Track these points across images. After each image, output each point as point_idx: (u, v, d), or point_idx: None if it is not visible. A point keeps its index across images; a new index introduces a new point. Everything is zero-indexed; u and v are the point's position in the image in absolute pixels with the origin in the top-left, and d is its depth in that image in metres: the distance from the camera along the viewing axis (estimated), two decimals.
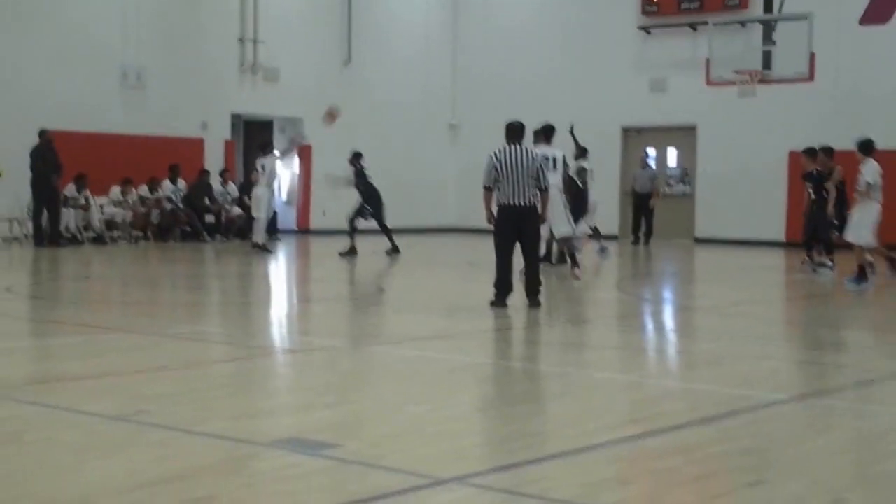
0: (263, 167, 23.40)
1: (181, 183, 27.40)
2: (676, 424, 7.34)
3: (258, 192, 23.46)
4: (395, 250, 23.61)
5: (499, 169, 13.94)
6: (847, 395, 8.54)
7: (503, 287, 13.89)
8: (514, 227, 13.87)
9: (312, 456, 6.29)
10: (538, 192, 13.90)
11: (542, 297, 14.03)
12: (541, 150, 18.56)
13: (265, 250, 22.60)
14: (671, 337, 12.67)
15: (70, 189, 25.22)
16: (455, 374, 9.34)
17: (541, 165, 13.95)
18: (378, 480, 5.85)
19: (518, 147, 14.11)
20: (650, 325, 13.83)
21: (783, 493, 5.80)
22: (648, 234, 28.68)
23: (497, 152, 14.16)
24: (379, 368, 9.65)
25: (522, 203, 13.79)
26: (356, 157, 24.46)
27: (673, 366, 10.65)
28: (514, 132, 14.37)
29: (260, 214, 23.35)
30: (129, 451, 6.44)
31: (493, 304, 13.79)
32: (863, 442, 7.03)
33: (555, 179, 17.61)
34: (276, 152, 23.59)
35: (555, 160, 18.45)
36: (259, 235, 23.42)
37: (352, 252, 23.19)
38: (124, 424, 7.06)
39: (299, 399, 8.21)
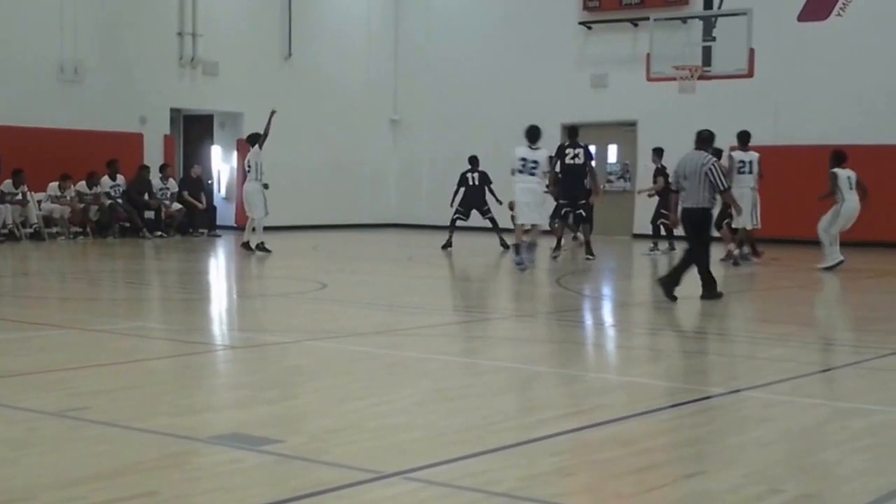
0: (248, 162, 22.88)
1: (120, 178, 27.17)
2: (616, 417, 7.40)
3: (247, 188, 22.85)
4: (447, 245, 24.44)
5: (680, 173, 14.95)
6: (783, 388, 8.63)
7: (707, 284, 14.82)
8: (692, 227, 14.91)
9: (254, 451, 6.28)
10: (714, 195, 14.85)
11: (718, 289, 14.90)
12: (522, 151, 18.90)
13: (264, 250, 22.16)
14: (611, 332, 12.75)
15: (7, 185, 24.93)
16: (396, 369, 9.36)
17: (710, 170, 14.72)
18: (320, 475, 5.86)
19: (699, 153, 15.01)
20: (590, 321, 13.90)
21: (721, 483, 5.86)
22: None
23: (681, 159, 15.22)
24: (320, 363, 9.64)
25: (697, 206, 14.72)
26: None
27: (612, 360, 10.73)
28: (700, 139, 15.37)
29: (254, 213, 22.63)
30: (69, 447, 6.42)
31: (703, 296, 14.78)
32: (798, 434, 7.12)
33: (533, 181, 19.02)
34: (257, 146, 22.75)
35: (536, 162, 19.07)
36: (257, 235, 22.54)
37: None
38: (64, 420, 7.03)
39: (241, 395, 8.19)
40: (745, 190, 20.92)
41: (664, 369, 9.66)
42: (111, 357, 9.69)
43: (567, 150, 21.77)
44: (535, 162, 19.05)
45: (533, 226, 19.17)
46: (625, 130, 30.78)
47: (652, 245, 24.23)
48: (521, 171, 19.12)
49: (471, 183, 24.48)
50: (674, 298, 14.34)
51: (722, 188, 14.80)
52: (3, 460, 6.12)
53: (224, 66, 30.34)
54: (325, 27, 32.97)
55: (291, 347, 10.45)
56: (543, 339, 11.92)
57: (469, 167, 24.82)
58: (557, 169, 21.06)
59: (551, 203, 21.23)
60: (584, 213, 22.13)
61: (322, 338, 11.05)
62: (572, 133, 22.22)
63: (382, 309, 13.90)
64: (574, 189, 21.80)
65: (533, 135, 19.29)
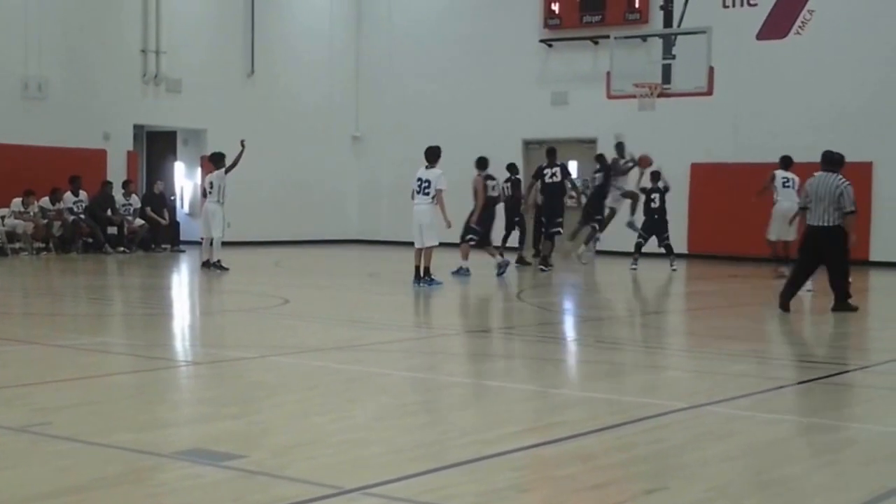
0: (212, 183, 22.51)
1: (83, 194, 27.06)
2: (576, 433, 7.43)
3: (211, 209, 22.42)
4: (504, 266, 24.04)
5: (811, 193, 15.56)
6: (744, 403, 8.69)
7: (842, 296, 15.70)
8: (815, 245, 15.56)
9: (216, 467, 6.31)
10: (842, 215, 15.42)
11: (851, 302, 15.69)
12: (419, 172, 18.99)
13: (221, 268, 22.00)
14: (572, 347, 12.80)
15: None
16: (357, 384, 9.39)
17: (843, 191, 15.43)
18: (282, 491, 5.89)
19: (831, 175, 15.58)
20: (551, 335, 13.94)
21: (682, 499, 5.91)
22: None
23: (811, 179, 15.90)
24: (282, 379, 9.65)
25: (825, 224, 15.43)
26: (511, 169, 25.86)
27: (573, 375, 10.78)
28: (829, 161, 15.98)
29: (216, 233, 22.23)
30: (30, 463, 6.41)
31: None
32: (759, 449, 7.16)
33: (425, 199, 19.15)
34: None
35: (428, 181, 19.12)
36: (215, 253, 22.17)
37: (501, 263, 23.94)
38: (25, 436, 7.03)
39: (202, 410, 8.21)
40: (791, 204, 21.65)
41: (625, 384, 9.71)
42: (74, 372, 9.67)
43: (545, 171, 22.64)
44: (428, 181, 19.09)
45: (427, 248, 19.25)
46: (585, 147, 30.86)
47: (633, 261, 24.22)
48: (417, 192, 19.24)
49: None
50: (788, 310, 15.39)
51: (851, 210, 15.44)
52: None
53: (187, 83, 30.28)
54: (288, 44, 32.97)
55: (253, 363, 10.47)
56: (504, 354, 11.97)
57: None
58: (538, 188, 22.81)
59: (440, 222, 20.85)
60: (596, 226, 24.22)
61: (284, 353, 11.05)
62: (550, 154, 23.29)
63: (344, 324, 13.90)
64: (553, 208, 22.82)
65: (430, 155, 19.35)
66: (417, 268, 19.26)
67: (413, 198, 19.39)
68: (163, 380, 9.75)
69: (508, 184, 25.07)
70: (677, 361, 11.62)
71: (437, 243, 19.37)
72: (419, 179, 19.21)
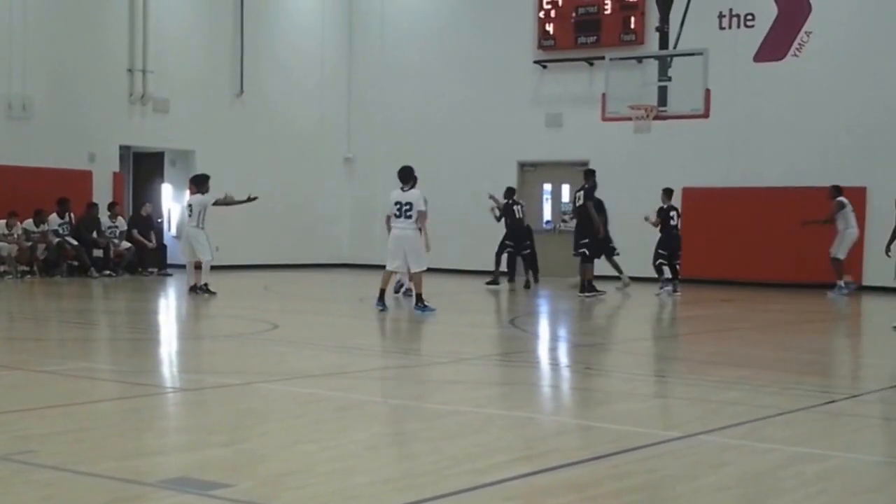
0: (191, 207, 22.25)
1: (69, 216, 26.93)
2: (569, 461, 7.34)
3: (192, 233, 22.17)
4: (532, 282, 26.25)
5: None
6: (738, 431, 8.61)
7: None
8: None
9: (203, 496, 6.19)
10: None
11: None
12: (395, 195, 18.75)
13: (209, 292, 21.76)
14: (564, 374, 12.70)
15: None
16: (347, 412, 9.28)
17: None
18: None
19: None
20: (543, 362, 13.85)
21: None
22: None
23: None
24: (271, 406, 9.54)
25: None
26: (510, 193, 26.60)
27: (566, 403, 10.68)
28: None
29: (204, 257, 22.00)
30: (14, 491, 6.30)
31: None
32: (752, 479, 7.07)
33: (408, 223, 18.69)
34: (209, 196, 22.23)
35: (409, 204, 18.77)
36: (203, 276, 22.03)
37: (495, 282, 25.98)
38: (8, 464, 6.90)
39: (189, 438, 8.09)
40: (855, 230, 24.83)
41: (617, 412, 9.61)
42: (58, 399, 9.54)
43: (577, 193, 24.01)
44: (409, 204, 18.79)
45: (416, 273, 19.11)
46: (579, 170, 30.76)
47: (661, 285, 24.58)
48: (396, 216, 18.84)
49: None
50: None
51: None
52: None
53: (175, 103, 30.18)
54: (278, 64, 32.88)
55: (242, 390, 10.35)
56: (496, 381, 11.86)
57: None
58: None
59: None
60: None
61: (273, 380, 10.94)
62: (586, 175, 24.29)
63: (334, 351, 13.79)
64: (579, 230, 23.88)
65: (404, 176, 19.03)
66: (383, 291, 19.04)
67: (388, 223, 19.09)
68: (149, 406, 9.62)
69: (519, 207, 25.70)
70: (670, 389, 11.54)
71: (425, 268, 19.23)
72: (398, 203, 18.80)
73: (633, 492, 6.66)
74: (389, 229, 19.02)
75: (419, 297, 18.86)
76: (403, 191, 18.89)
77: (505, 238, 26.41)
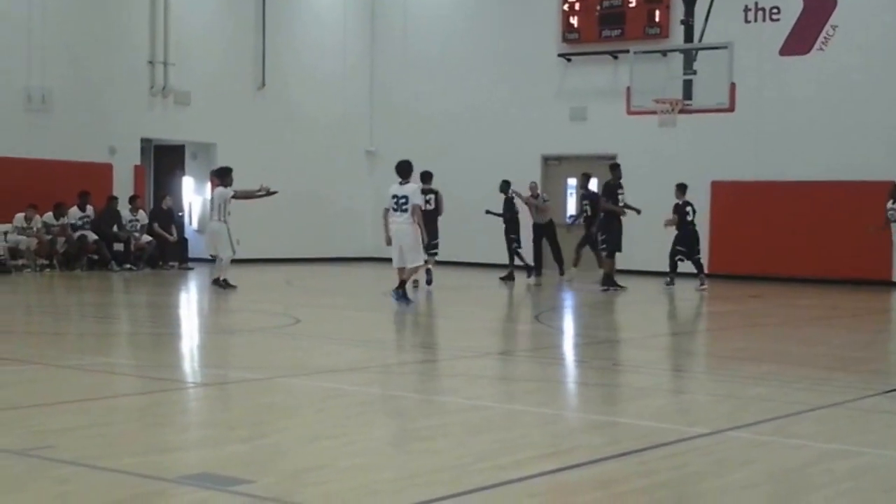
0: (213, 200, 22.16)
1: (90, 209, 26.85)
2: (595, 458, 7.22)
3: (215, 228, 21.96)
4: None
5: None
6: (766, 428, 8.48)
7: None
8: None
9: (224, 491, 6.09)
10: None
11: None
12: (393, 189, 18.74)
13: (228, 286, 21.52)
14: (590, 370, 12.56)
15: None
16: (369, 407, 9.19)
17: None
18: None
19: None
20: (569, 358, 13.73)
21: None
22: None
23: None
24: (293, 401, 9.45)
25: None
26: (506, 186, 26.29)
27: (592, 399, 10.53)
28: None
29: (224, 253, 21.75)
30: (32, 487, 6.22)
31: None
32: (782, 476, 6.96)
33: (404, 217, 18.75)
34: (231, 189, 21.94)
35: (405, 197, 18.86)
36: (224, 271, 21.81)
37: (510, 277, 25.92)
38: (27, 459, 6.81)
39: (211, 433, 7.99)
40: None
41: (644, 408, 9.47)
42: (78, 394, 9.46)
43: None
44: (405, 197, 18.82)
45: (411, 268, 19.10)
46: (604, 164, 30.54)
47: (668, 280, 24.47)
48: (394, 210, 18.91)
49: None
50: None
51: None
52: None
53: (196, 96, 30.07)
54: (300, 57, 32.77)
55: (263, 384, 10.24)
56: (521, 377, 11.73)
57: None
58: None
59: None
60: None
61: (295, 375, 10.85)
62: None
63: (357, 345, 13.68)
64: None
65: (402, 170, 19.16)
66: (403, 282, 18.99)
67: (386, 217, 19.11)
68: (170, 402, 9.53)
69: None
70: (697, 385, 11.42)
71: (422, 262, 19.28)
72: (395, 196, 18.90)
73: (660, 488, 6.54)
74: (387, 224, 19.07)
75: (402, 284, 18.87)
76: (401, 185, 18.98)
77: (510, 232, 26.18)
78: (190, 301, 21.50)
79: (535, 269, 26.36)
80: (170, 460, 7.04)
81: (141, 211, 28.21)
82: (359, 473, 6.68)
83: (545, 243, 26.40)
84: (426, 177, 22.82)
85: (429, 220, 21.45)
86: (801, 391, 10.47)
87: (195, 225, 31.33)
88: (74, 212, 26.57)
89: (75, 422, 8.17)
